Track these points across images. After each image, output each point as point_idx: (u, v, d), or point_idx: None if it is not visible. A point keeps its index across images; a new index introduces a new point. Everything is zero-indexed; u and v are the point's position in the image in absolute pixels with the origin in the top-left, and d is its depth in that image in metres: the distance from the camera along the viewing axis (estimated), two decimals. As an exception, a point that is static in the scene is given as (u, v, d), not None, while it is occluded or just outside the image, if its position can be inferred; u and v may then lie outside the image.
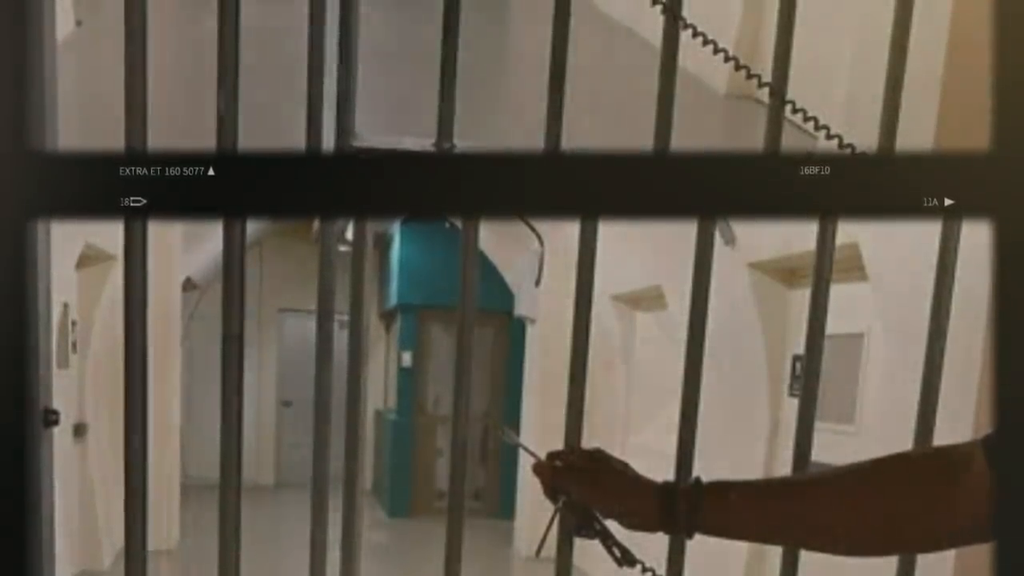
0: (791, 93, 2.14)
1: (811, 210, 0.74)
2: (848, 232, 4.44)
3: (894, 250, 5.02)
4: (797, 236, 5.74)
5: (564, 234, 2.25)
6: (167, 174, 0.67)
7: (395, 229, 14.56)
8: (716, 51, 2.15)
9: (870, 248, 5.26)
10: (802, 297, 5.55)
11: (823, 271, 2.16)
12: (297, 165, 0.69)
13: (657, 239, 7.76)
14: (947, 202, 0.68)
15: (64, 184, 0.65)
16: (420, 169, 0.69)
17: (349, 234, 2.24)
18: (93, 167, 0.67)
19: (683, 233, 2.04)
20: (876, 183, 0.70)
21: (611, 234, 2.23)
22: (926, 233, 2.22)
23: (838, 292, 2.20)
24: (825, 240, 2.15)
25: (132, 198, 0.66)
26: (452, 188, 0.69)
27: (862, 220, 0.71)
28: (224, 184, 0.68)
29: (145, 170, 0.67)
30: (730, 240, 6.86)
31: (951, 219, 2.00)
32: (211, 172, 0.67)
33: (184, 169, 0.67)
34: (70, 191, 0.66)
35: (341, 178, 0.69)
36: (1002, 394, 0.66)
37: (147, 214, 0.67)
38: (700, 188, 0.70)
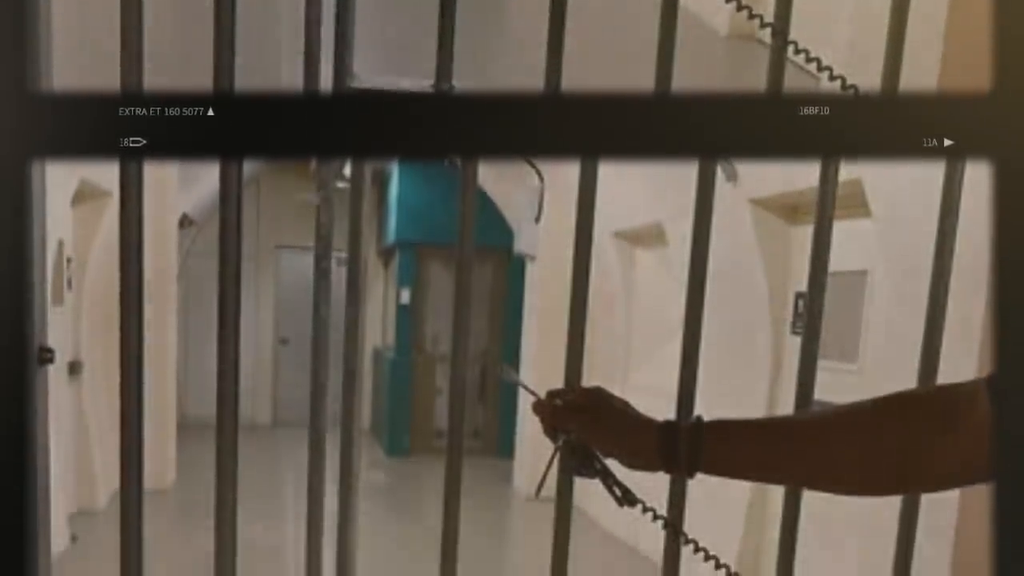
0: (793, 34, 2.13)
1: (812, 151, 0.73)
2: (851, 168, 4.43)
3: (897, 187, 5.01)
4: (799, 173, 5.73)
5: (564, 170, 2.24)
6: (166, 114, 0.67)
7: (393, 166, 14.53)
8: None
9: (873, 184, 5.25)
10: (805, 234, 5.56)
11: (826, 209, 2.16)
12: (296, 105, 0.68)
13: (658, 177, 7.76)
14: (947, 143, 0.68)
15: (62, 124, 0.65)
16: (419, 109, 0.69)
17: (347, 171, 2.23)
18: (91, 107, 0.66)
19: (684, 171, 2.03)
20: (877, 123, 0.69)
21: (611, 171, 2.22)
22: (929, 170, 2.22)
23: (841, 229, 2.19)
24: (827, 179, 2.15)
25: (131, 138, 0.66)
26: (451, 129, 0.69)
27: (863, 161, 0.70)
28: (224, 124, 0.67)
29: (144, 110, 0.66)
30: (732, 176, 6.86)
31: (952, 160, 2.00)
32: (211, 112, 0.67)
33: (184, 109, 0.67)
34: (68, 131, 0.65)
35: (340, 119, 0.69)
36: (1004, 332, 0.66)
37: (146, 154, 0.67)
38: (701, 129, 0.70)
